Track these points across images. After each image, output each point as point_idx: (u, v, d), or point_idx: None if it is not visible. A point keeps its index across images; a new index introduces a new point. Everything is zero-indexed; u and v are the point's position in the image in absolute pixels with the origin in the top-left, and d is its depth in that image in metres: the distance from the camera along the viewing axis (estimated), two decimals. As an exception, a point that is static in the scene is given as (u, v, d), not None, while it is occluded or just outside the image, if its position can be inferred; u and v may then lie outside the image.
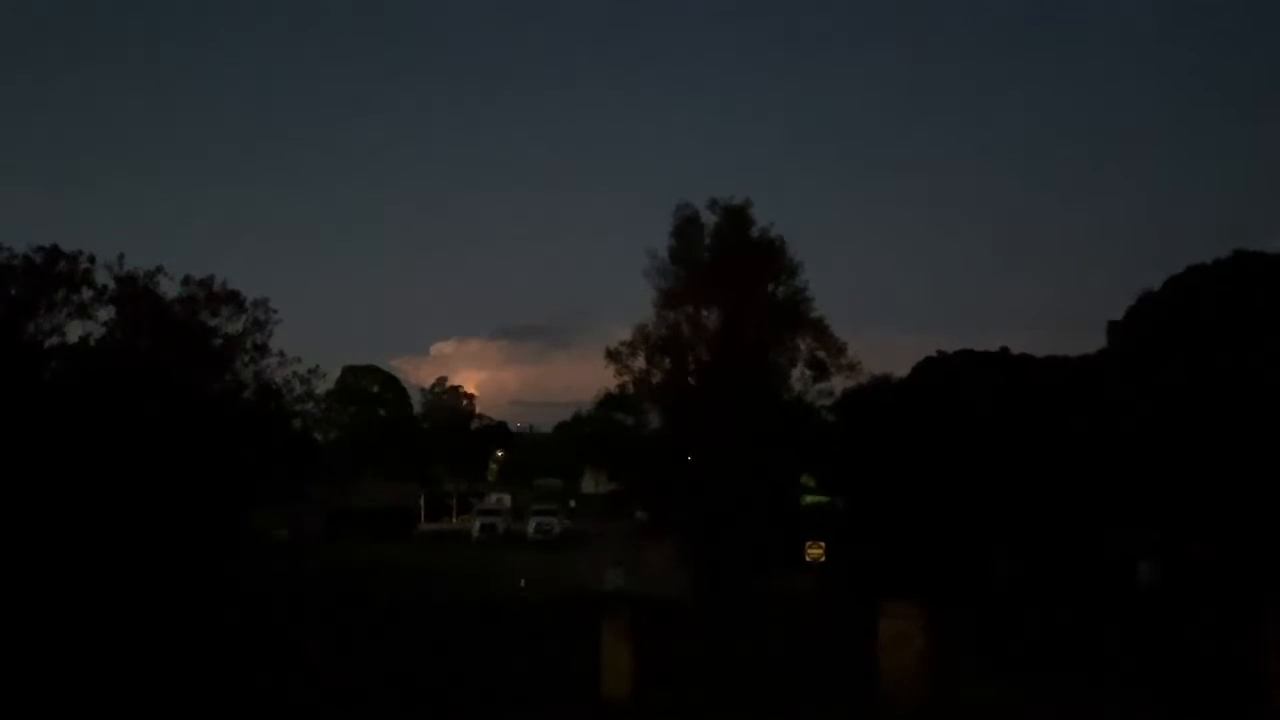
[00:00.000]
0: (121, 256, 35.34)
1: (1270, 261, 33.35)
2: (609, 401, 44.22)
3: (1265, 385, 28.77)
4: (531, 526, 65.53)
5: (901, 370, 44.04)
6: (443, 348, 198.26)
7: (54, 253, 34.39)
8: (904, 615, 17.58)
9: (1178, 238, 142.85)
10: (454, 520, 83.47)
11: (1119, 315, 38.73)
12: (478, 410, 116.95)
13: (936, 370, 41.18)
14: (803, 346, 39.70)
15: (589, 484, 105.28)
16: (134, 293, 35.33)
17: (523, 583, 37.62)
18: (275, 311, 39.00)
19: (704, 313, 39.72)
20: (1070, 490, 31.08)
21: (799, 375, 40.07)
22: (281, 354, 39.63)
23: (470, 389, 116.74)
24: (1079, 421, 32.01)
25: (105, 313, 35.02)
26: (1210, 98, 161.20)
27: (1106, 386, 33.38)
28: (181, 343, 36.05)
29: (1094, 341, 40.73)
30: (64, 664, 18.43)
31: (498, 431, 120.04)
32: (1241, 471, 28.05)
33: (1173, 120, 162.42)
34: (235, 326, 38.32)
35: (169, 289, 36.57)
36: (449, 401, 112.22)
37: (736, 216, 39.47)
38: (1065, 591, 27.10)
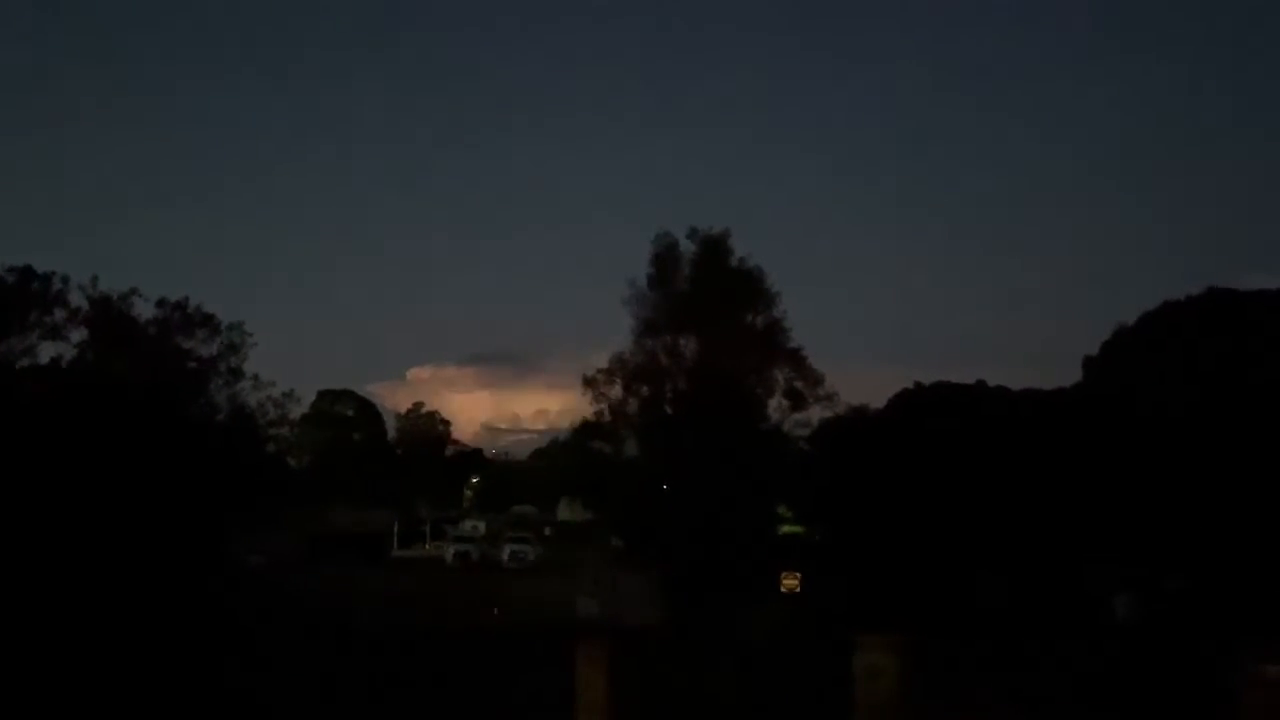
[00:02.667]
0: (95, 278, 35.17)
1: (1242, 298, 33.72)
2: (586, 429, 44.10)
3: (1238, 420, 28.99)
4: (506, 553, 65.25)
5: (878, 402, 44.18)
6: (419, 373, 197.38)
7: (27, 273, 34.18)
8: (879, 648, 17.52)
9: (1153, 275, 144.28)
10: (428, 547, 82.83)
11: (1095, 350, 39.05)
12: (453, 436, 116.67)
13: (913, 402, 41.28)
14: (780, 376, 39.81)
15: (565, 511, 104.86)
16: (107, 314, 35.11)
17: (496, 611, 37.34)
18: (250, 335, 38.88)
19: (682, 342, 39.79)
20: (1048, 524, 31.14)
21: (776, 405, 40.17)
22: (256, 378, 39.44)
23: (446, 415, 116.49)
24: (1055, 455, 32.10)
25: (78, 334, 34.81)
26: (1187, 139, 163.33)
27: (1082, 420, 33.53)
28: (155, 365, 35.78)
29: (1070, 375, 41.00)
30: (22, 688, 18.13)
31: (473, 458, 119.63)
32: (1216, 506, 28.20)
33: (1150, 159, 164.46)
34: (209, 350, 38.15)
35: (143, 311, 36.37)
36: (424, 427, 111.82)
37: (715, 246, 39.61)
38: (1043, 625, 27.11)
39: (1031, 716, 17.85)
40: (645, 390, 40.20)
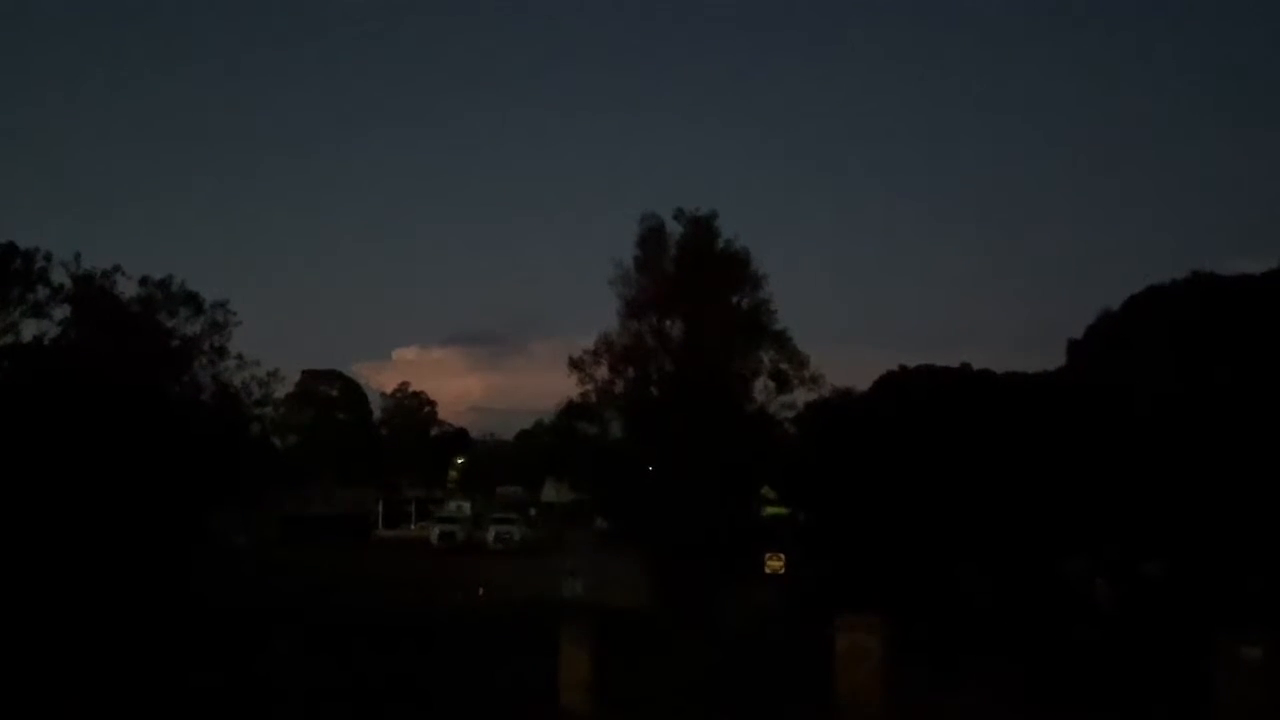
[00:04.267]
0: (78, 255, 34.96)
1: (1226, 284, 33.80)
2: (571, 410, 44.13)
3: (1220, 404, 29.15)
4: (491, 534, 65.36)
5: (863, 384, 44.18)
6: (404, 353, 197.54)
7: (9, 250, 34.00)
8: (861, 629, 17.67)
9: (1138, 259, 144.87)
10: (413, 527, 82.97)
11: (1079, 334, 39.11)
12: (439, 416, 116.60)
13: (897, 385, 41.32)
14: (766, 359, 39.88)
15: (550, 493, 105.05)
16: (90, 292, 34.95)
17: (481, 591, 37.43)
18: (234, 314, 38.73)
19: (668, 323, 39.76)
20: (1029, 508, 31.29)
21: (762, 387, 40.23)
22: (240, 357, 39.32)
23: (432, 395, 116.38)
24: (1037, 438, 32.24)
25: (60, 312, 34.63)
26: (1174, 126, 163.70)
27: (1064, 403, 33.65)
28: (138, 343, 35.61)
29: (1054, 359, 41.09)
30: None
31: (458, 438, 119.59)
32: (1196, 490, 28.38)
33: (1137, 144, 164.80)
34: (193, 328, 38.01)
35: (127, 289, 36.20)
36: (410, 407, 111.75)
37: (702, 227, 39.55)
38: (1023, 608, 27.30)
39: (1010, 698, 18.00)
40: (631, 372, 40.20)
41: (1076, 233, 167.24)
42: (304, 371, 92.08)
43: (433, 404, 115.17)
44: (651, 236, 39.69)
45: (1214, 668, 16.17)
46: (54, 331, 34.39)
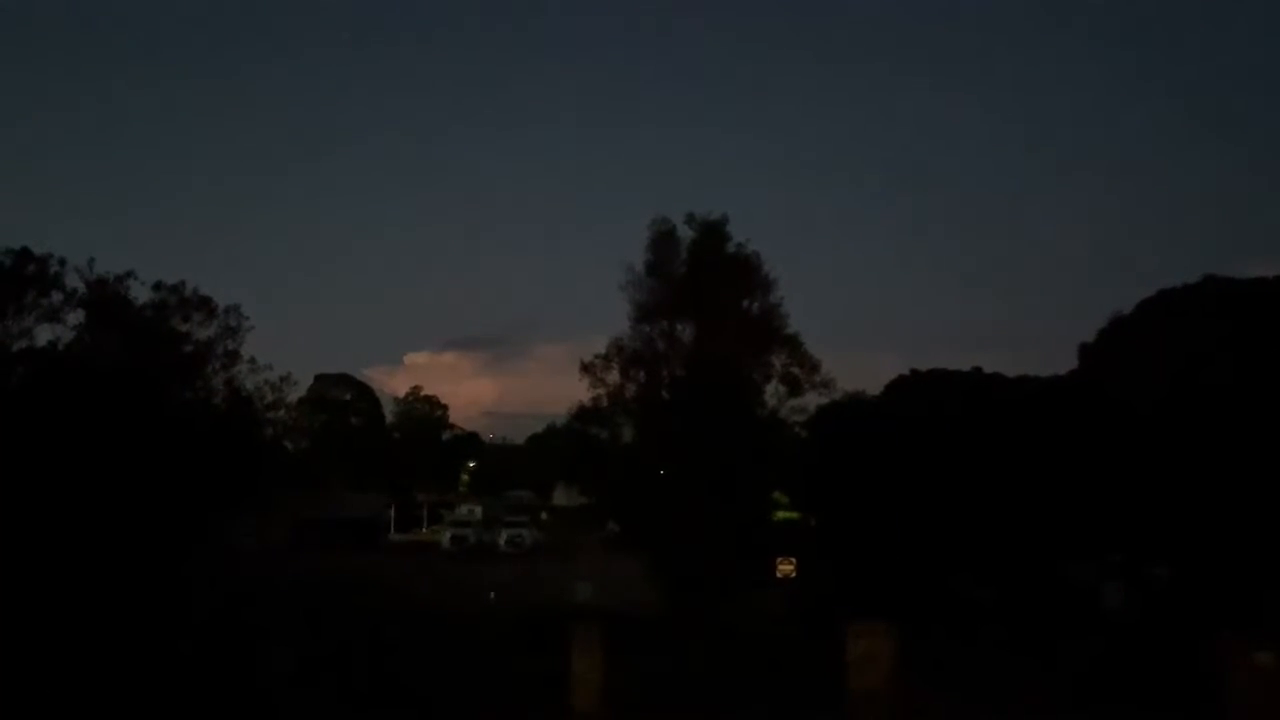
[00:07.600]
0: (92, 260, 35.04)
1: (1239, 287, 33.70)
2: (582, 414, 44.04)
3: (1230, 410, 29.05)
4: (503, 538, 65.45)
5: (874, 388, 44.14)
6: (416, 358, 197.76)
7: (24, 255, 34.10)
8: (872, 635, 17.67)
9: (1151, 262, 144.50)
10: (424, 531, 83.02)
11: (1091, 337, 39.03)
12: (450, 421, 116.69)
13: (908, 389, 41.28)
14: (776, 363, 39.73)
15: (561, 496, 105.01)
16: (104, 297, 35.02)
17: (492, 595, 37.47)
18: (247, 318, 38.76)
19: (679, 327, 39.71)
20: (1038, 511, 31.21)
21: (772, 391, 40.09)
22: (253, 361, 39.38)
23: (443, 399, 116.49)
24: (1047, 442, 32.16)
25: (75, 317, 34.72)
26: (1185, 129, 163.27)
27: (1075, 407, 33.57)
28: (151, 348, 35.72)
29: (1065, 362, 41.02)
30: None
31: (469, 442, 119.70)
32: (1208, 493, 28.28)
33: (1149, 147, 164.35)
34: (206, 333, 38.02)
35: (140, 294, 36.29)
36: (421, 412, 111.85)
37: (713, 231, 39.48)
38: (1032, 613, 27.24)
39: (1021, 702, 17.99)
40: (642, 376, 40.15)
41: (1088, 236, 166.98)
42: (316, 376, 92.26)
43: (444, 408, 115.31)
44: (662, 241, 39.64)
45: (1225, 673, 16.14)
46: (68, 336, 34.50)
